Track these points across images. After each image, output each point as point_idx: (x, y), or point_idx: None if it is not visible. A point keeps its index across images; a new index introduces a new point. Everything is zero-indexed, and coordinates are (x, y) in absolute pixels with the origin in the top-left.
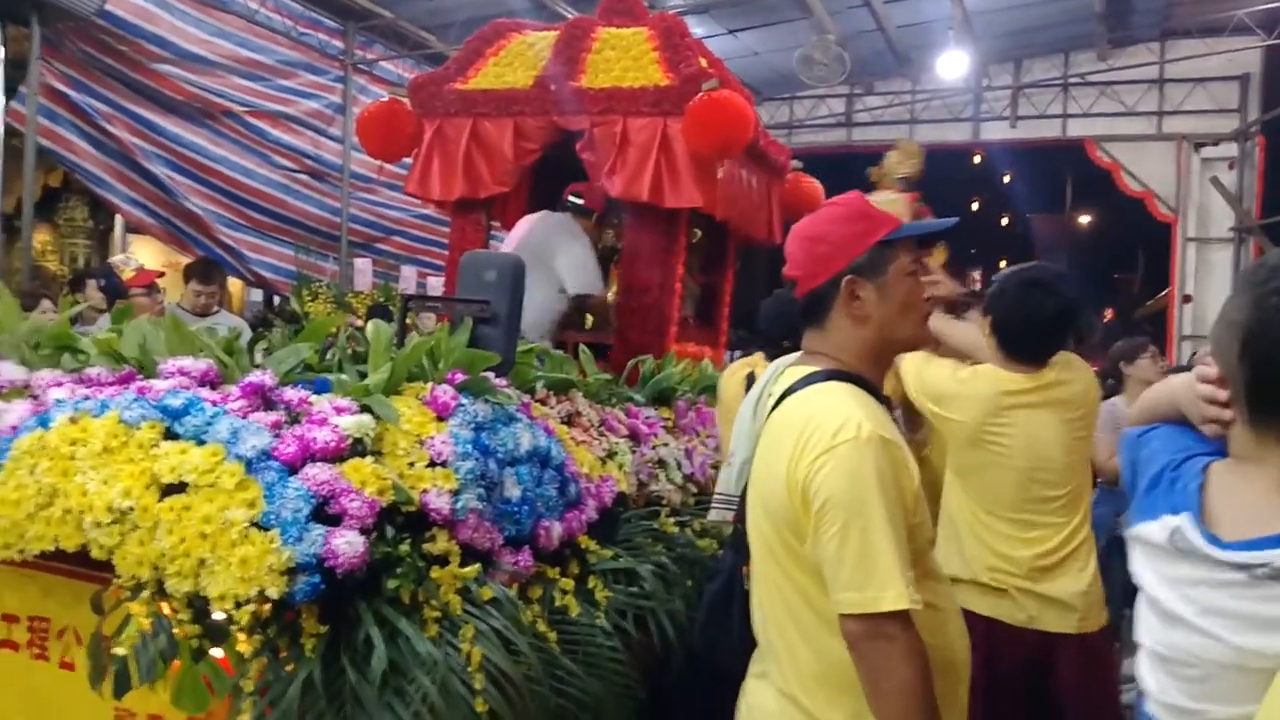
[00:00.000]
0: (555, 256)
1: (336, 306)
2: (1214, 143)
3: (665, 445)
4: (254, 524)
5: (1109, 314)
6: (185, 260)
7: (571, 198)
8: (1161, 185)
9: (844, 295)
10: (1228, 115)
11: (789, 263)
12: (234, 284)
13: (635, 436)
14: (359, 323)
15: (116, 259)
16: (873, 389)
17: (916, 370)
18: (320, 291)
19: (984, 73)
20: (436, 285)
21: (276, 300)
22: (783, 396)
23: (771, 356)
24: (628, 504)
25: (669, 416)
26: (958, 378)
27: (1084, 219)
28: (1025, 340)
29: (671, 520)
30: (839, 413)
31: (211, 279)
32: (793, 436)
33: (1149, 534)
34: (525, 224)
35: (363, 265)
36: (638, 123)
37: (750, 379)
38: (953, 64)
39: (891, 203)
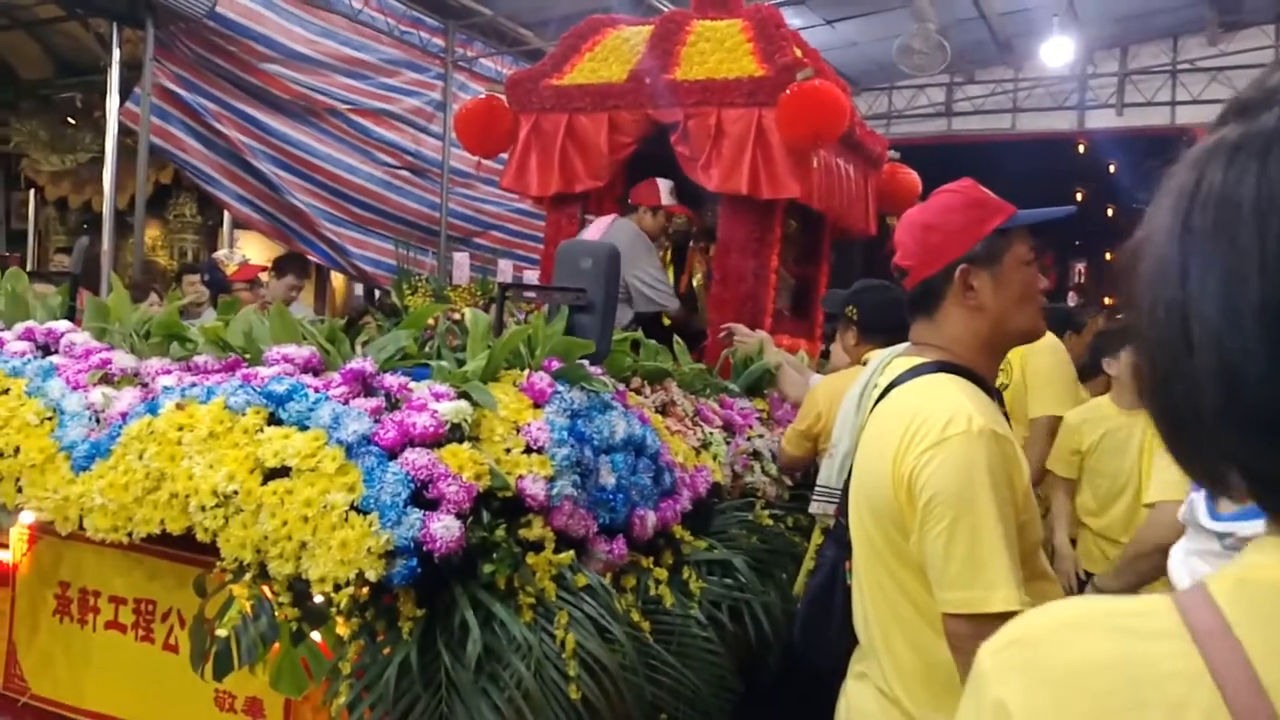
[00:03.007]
0: (629, 272)
1: (435, 300)
2: None
3: (760, 437)
4: (354, 508)
5: None
6: None
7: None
8: None
9: (957, 285)
10: None
11: (899, 252)
12: (336, 278)
13: (730, 427)
14: (457, 315)
15: (221, 254)
16: (983, 382)
17: None
18: (420, 285)
19: (1089, 59)
20: (532, 279)
21: (378, 294)
22: (889, 388)
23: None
24: (722, 495)
25: (764, 408)
26: None
27: None
28: None
29: (766, 513)
30: (949, 405)
31: (306, 273)
32: (899, 429)
33: (1182, 510)
34: (601, 226)
35: (461, 259)
36: (732, 114)
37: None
38: (1057, 51)
39: None
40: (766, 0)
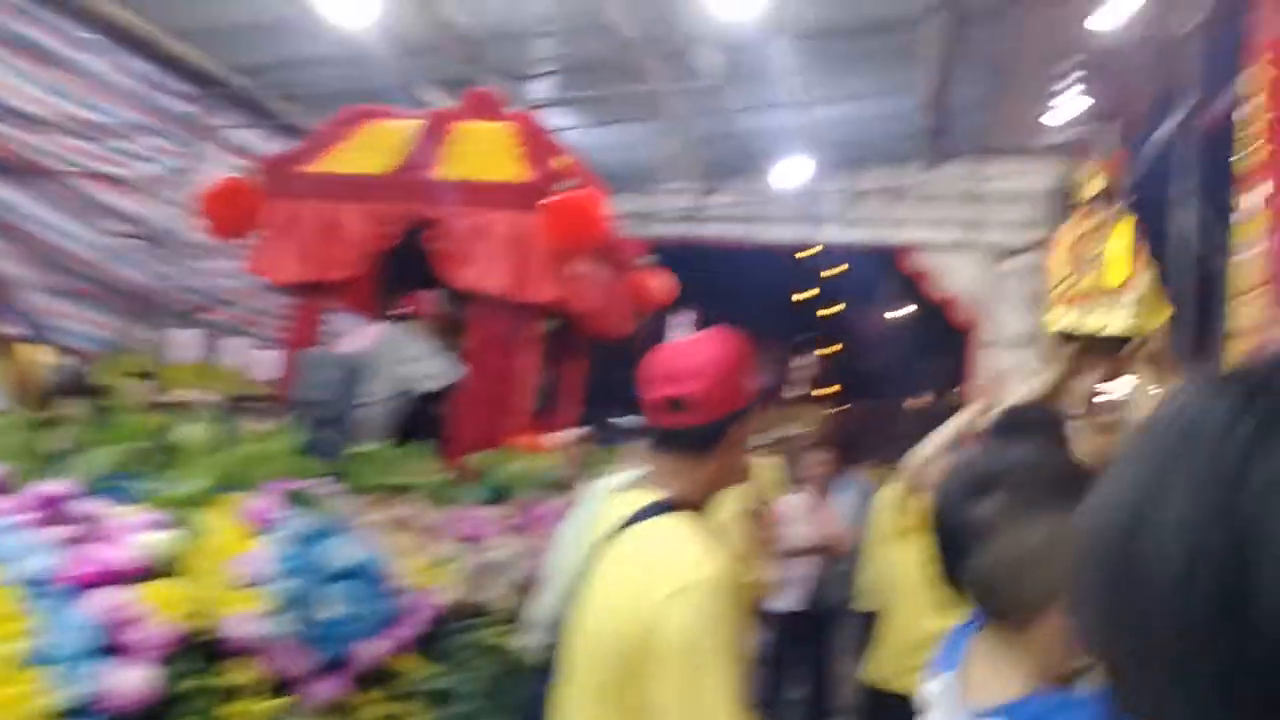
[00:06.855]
0: (411, 363)
1: (142, 377)
2: (1016, 253)
3: (501, 548)
4: (24, 660)
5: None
6: None
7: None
8: (967, 291)
9: (734, 435)
10: (1032, 228)
11: (683, 382)
12: (30, 351)
13: (470, 538)
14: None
15: None
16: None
17: None
18: (126, 365)
19: (824, 178)
20: (272, 358)
21: (82, 371)
22: (625, 523)
23: None
24: (459, 614)
25: (510, 514)
26: None
27: (896, 316)
28: None
29: (502, 630)
30: (691, 551)
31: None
32: (638, 571)
33: None
34: (371, 333)
35: (186, 337)
36: (494, 216)
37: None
38: (792, 170)
39: None
40: (534, 103)
